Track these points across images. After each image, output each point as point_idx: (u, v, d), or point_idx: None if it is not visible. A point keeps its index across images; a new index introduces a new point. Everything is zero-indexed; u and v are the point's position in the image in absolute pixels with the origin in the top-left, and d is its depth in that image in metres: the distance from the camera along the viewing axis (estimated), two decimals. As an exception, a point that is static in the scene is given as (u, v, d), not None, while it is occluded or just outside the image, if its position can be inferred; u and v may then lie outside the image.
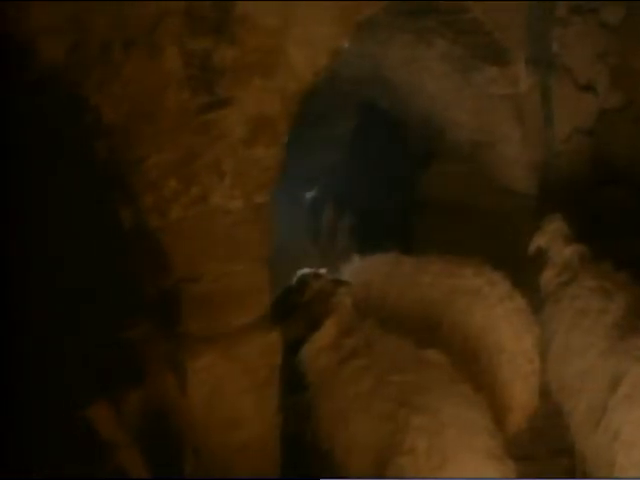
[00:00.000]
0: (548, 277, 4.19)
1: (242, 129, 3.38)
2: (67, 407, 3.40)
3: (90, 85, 3.13)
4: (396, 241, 4.83)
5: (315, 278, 3.62)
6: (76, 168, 3.85)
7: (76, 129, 3.41)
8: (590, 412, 3.37)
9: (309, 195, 6.59)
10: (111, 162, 3.34)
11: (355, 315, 3.53)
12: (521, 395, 3.80)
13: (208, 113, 3.31)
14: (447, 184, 5.49)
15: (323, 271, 3.74)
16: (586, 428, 3.38)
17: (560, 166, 5.18)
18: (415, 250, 4.52)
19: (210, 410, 3.38)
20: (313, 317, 3.49)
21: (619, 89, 5.27)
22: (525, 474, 3.23)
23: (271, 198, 3.52)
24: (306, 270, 3.72)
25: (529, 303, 4.01)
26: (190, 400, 3.33)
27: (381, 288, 4.18)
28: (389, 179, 6.07)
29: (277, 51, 3.43)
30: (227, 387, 3.41)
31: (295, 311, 3.56)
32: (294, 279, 3.70)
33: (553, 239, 4.25)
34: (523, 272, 4.24)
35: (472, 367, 3.63)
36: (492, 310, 3.87)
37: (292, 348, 3.50)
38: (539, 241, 4.29)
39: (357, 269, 4.33)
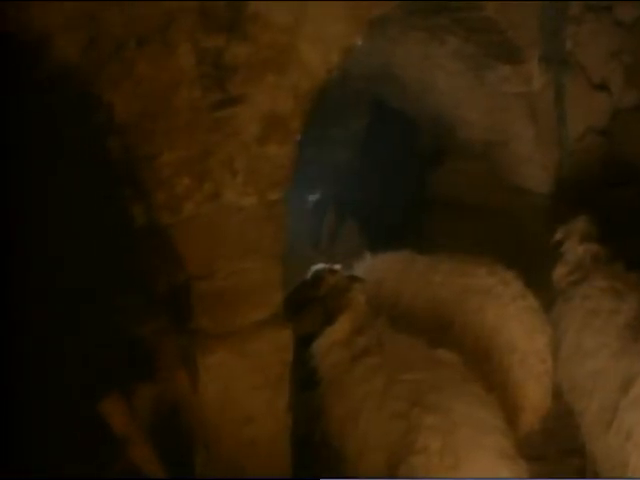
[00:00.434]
0: (560, 274, 4.18)
1: (255, 127, 3.39)
2: (76, 403, 3.42)
3: (103, 83, 3.14)
4: (406, 240, 4.82)
5: (330, 273, 3.62)
6: (87, 166, 3.87)
7: (88, 127, 3.42)
8: (602, 413, 3.35)
9: (312, 198, 6.54)
10: (123, 159, 3.36)
11: (368, 312, 3.52)
12: (533, 395, 3.79)
13: (221, 110, 3.32)
14: (458, 183, 5.47)
15: (338, 267, 3.74)
16: (597, 429, 3.37)
17: (573, 165, 5.16)
18: (426, 249, 4.50)
19: (221, 406, 3.39)
20: (327, 312, 3.49)
21: (633, 88, 5.24)
22: (537, 474, 3.22)
23: (285, 196, 3.52)
24: (321, 265, 3.72)
25: (541, 303, 3.98)
26: (202, 396, 3.34)
27: (393, 286, 4.17)
28: (399, 178, 6.06)
29: (289, 49, 3.44)
30: (238, 384, 3.42)
31: (309, 305, 3.55)
32: (309, 273, 3.69)
33: (569, 237, 4.24)
34: (535, 271, 4.22)
35: (484, 367, 3.61)
36: (504, 309, 3.85)
37: (305, 342, 3.50)
38: (557, 238, 4.27)
39: (369, 267, 4.32)
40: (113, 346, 3.47)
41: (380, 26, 4.37)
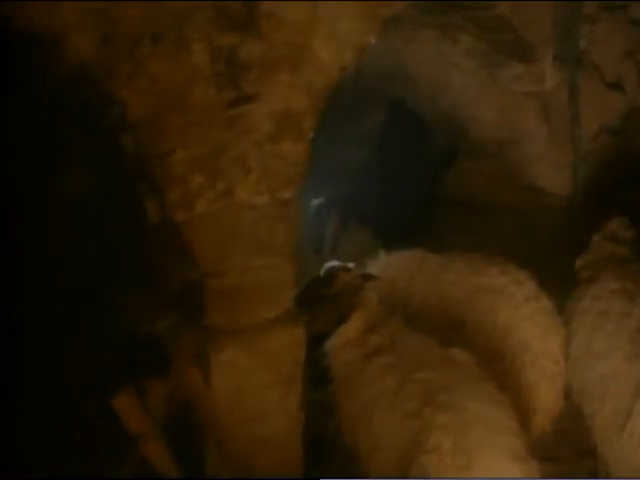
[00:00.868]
0: (578, 266, 4.16)
1: (268, 125, 3.39)
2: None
3: (117, 80, 3.16)
4: (418, 239, 4.81)
5: (344, 271, 3.61)
6: (100, 164, 3.89)
7: (101, 125, 3.43)
8: (614, 416, 3.33)
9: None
10: (137, 157, 3.37)
11: (381, 311, 3.52)
12: (546, 397, 3.77)
13: (234, 108, 3.32)
14: (471, 182, 5.45)
15: (351, 265, 3.73)
16: (610, 432, 3.35)
17: (587, 165, 5.13)
18: (438, 248, 4.49)
19: (234, 403, 3.40)
20: (340, 310, 3.49)
21: (647, 87, 5.20)
22: (549, 475, 3.20)
23: (298, 194, 3.52)
24: (334, 263, 3.71)
25: (555, 304, 3.96)
26: (214, 393, 3.35)
27: (406, 285, 4.17)
28: (411, 177, 6.05)
29: (303, 47, 3.43)
30: (251, 381, 3.43)
31: (322, 303, 3.55)
32: (322, 271, 3.68)
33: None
34: (549, 272, 4.19)
35: (496, 367, 3.59)
36: (517, 310, 3.83)
37: (317, 341, 3.50)
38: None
39: (383, 265, 4.31)
40: (125, 343, 3.49)
41: (393, 25, 4.37)
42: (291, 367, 3.51)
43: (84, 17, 3.02)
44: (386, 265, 4.32)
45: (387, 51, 4.95)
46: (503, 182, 5.27)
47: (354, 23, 3.53)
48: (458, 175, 5.60)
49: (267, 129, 3.39)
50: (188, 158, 3.27)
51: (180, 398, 3.29)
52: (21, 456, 3.37)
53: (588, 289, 3.97)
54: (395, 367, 3.18)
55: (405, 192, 6.12)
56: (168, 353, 3.31)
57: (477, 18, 4.58)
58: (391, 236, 5.28)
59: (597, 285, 3.95)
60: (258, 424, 3.44)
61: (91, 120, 3.58)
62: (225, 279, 3.37)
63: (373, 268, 4.25)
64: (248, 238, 3.40)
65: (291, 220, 3.52)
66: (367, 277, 3.70)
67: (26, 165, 3.92)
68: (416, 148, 6.00)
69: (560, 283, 4.23)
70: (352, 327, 3.43)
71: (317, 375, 3.52)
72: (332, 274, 3.65)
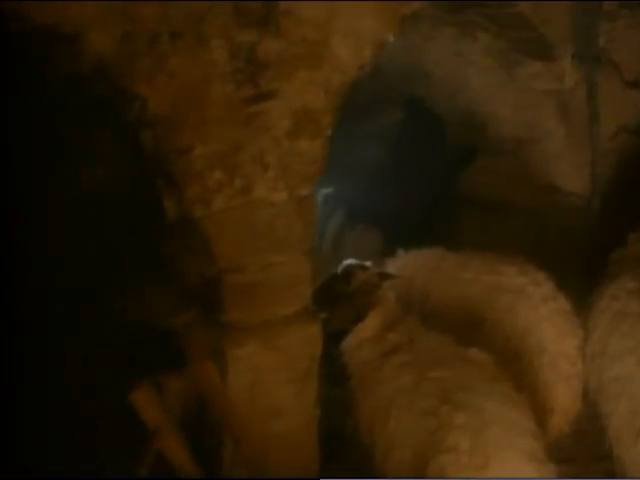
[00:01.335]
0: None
1: (286, 122, 3.39)
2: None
3: (136, 77, 3.17)
4: (435, 238, 4.79)
5: (361, 269, 3.61)
6: (118, 159, 3.91)
7: (120, 121, 3.45)
8: (631, 418, 3.31)
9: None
10: (156, 153, 3.38)
11: (399, 309, 3.51)
12: (563, 398, 3.74)
13: (252, 105, 3.33)
14: (488, 180, 5.43)
15: (369, 263, 3.73)
16: (626, 434, 3.32)
17: (605, 164, 5.09)
18: (455, 247, 4.47)
19: (250, 399, 3.41)
20: (357, 308, 3.48)
21: (668, 86, 5.15)
22: (566, 477, 3.18)
23: (314, 191, 3.53)
24: (352, 261, 3.71)
25: (573, 305, 3.93)
26: (230, 389, 3.37)
27: (424, 283, 4.16)
28: (428, 175, 6.03)
29: (322, 44, 3.43)
30: (267, 377, 3.44)
31: (339, 301, 3.55)
32: (339, 268, 3.68)
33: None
34: (567, 272, 4.17)
35: (514, 367, 3.58)
36: (535, 310, 3.81)
37: (335, 338, 3.50)
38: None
39: (401, 263, 4.31)
40: (142, 339, 3.50)
41: (412, 22, 4.35)
42: (307, 364, 3.51)
43: (104, 14, 3.04)
44: (404, 263, 4.31)
45: (405, 49, 4.94)
46: (520, 181, 5.24)
47: (373, 20, 3.52)
48: (475, 174, 5.57)
49: (285, 126, 3.39)
50: (207, 154, 3.28)
51: (196, 394, 3.30)
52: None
53: (607, 288, 3.94)
54: (412, 365, 3.17)
55: (421, 191, 6.10)
56: (185, 349, 3.32)
57: (496, 16, 4.56)
58: (403, 236, 5.26)
59: (615, 285, 3.92)
60: (274, 421, 3.45)
61: (109, 117, 3.60)
62: (242, 275, 3.38)
63: (391, 266, 4.25)
64: (265, 235, 3.41)
65: (308, 217, 3.53)
66: (384, 275, 3.69)
67: (42, 163, 3.95)
68: (432, 146, 5.98)
69: (577, 283, 4.20)
70: (369, 325, 3.43)
71: (334, 373, 3.52)
72: (349, 272, 3.64)
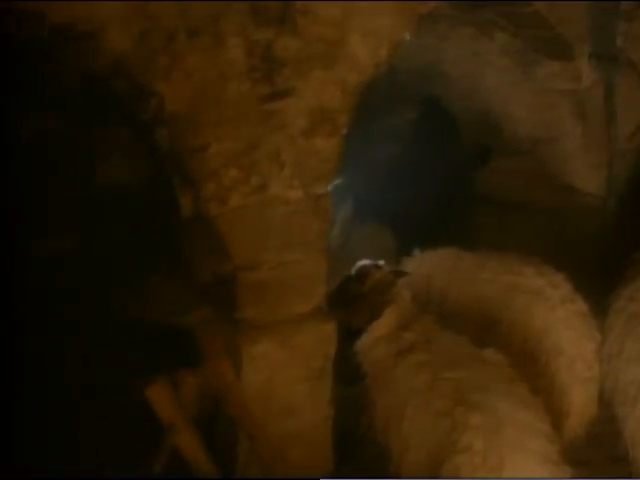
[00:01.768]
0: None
1: (302, 120, 3.40)
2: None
3: (154, 74, 3.19)
4: (451, 238, 4.77)
5: (376, 268, 3.60)
6: (134, 157, 3.93)
7: (136, 118, 3.47)
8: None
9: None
10: (172, 150, 3.39)
11: (414, 308, 3.50)
12: (579, 401, 3.71)
13: (269, 103, 3.34)
14: (504, 181, 5.39)
15: (382, 262, 3.72)
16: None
17: (622, 165, 5.05)
18: (471, 248, 4.45)
19: (264, 397, 3.42)
20: (372, 307, 3.47)
21: (685, 86, 5.10)
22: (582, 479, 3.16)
23: (330, 190, 3.53)
24: (366, 261, 3.69)
25: (590, 307, 3.90)
26: (245, 386, 3.37)
27: (442, 283, 4.13)
28: (444, 174, 6.00)
29: (338, 43, 3.43)
30: (281, 375, 3.44)
31: (355, 301, 3.54)
32: (353, 269, 3.68)
33: None
34: (584, 274, 4.13)
35: (530, 368, 3.55)
36: (553, 312, 3.78)
37: (350, 337, 3.49)
38: None
39: (418, 262, 4.29)
40: (157, 335, 3.51)
41: (429, 22, 4.34)
42: (322, 362, 3.52)
43: (122, 13, 3.05)
44: (421, 263, 4.29)
45: (422, 48, 4.92)
46: (536, 181, 5.20)
47: (390, 19, 3.52)
48: (490, 174, 5.54)
49: (301, 124, 3.40)
50: (223, 152, 3.29)
51: (211, 391, 3.30)
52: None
53: (624, 289, 3.91)
54: (427, 365, 3.16)
55: (436, 190, 6.08)
56: (200, 345, 3.32)
57: (514, 15, 4.53)
58: (418, 235, 5.24)
59: (632, 286, 3.89)
60: (288, 419, 3.46)
61: (126, 115, 3.62)
62: (257, 273, 3.39)
63: (407, 265, 4.23)
64: (281, 233, 3.41)
65: (323, 215, 3.53)
66: (399, 273, 3.68)
67: (59, 160, 3.97)
68: (448, 146, 5.95)
69: (593, 284, 4.17)
70: (384, 323, 3.41)
71: (350, 372, 3.50)
72: (364, 272, 3.62)
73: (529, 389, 3.14)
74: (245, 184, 3.33)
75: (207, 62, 3.21)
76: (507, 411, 2.94)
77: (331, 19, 3.40)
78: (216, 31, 3.21)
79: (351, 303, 3.55)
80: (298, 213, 3.43)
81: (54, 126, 4.00)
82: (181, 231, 3.59)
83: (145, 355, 3.48)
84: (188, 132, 3.27)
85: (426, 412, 3.02)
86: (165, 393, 3.02)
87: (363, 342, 3.44)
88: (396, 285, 3.55)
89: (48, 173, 3.96)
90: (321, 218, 3.51)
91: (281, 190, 3.38)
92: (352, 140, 3.72)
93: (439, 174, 6.04)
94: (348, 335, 3.52)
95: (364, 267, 3.65)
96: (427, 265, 4.24)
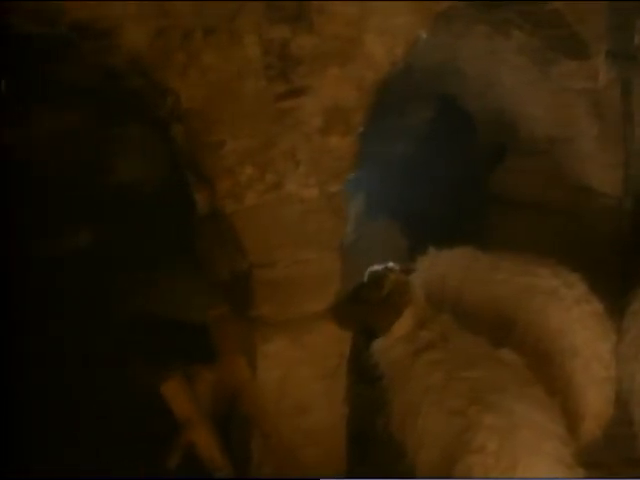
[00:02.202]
0: None
1: (318, 118, 3.39)
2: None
3: (170, 72, 3.19)
4: (465, 238, 4.75)
5: (390, 271, 3.56)
6: (149, 154, 3.94)
7: (153, 115, 3.48)
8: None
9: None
10: (188, 147, 3.40)
11: (429, 307, 3.48)
12: (595, 402, 3.67)
13: (284, 101, 3.33)
14: (519, 180, 5.36)
15: (392, 264, 3.69)
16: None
17: (639, 165, 5.01)
18: (485, 248, 4.43)
19: (279, 395, 3.42)
20: (396, 309, 3.43)
21: None
22: (597, 481, 3.14)
23: (344, 188, 3.52)
24: (376, 267, 3.65)
25: (606, 307, 3.87)
26: (260, 384, 3.37)
27: (457, 283, 4.10)
28: (459, 173, 5.98)
29: (354, 41, 3.43)
30: (296, 373, 3.44)
31: (377, 306, 3.49)
32: (365, 276, 3.64)
33: None
34: (600, 274, 4.10)
35: (545, 370, 3.51)
36: (568, 313, 3.73)
37: (366, 336, 3.48)
38: None
39: (432, 261, 4.27)
40: (173, 331, 3.52)
41: (445, 20, 4.32)
42: (336, 361, 3.52)
43: (139, 10, 3.06)
44: (435, 261, 4.27)
45: (437, 46, 4.89)
46: (552, 181, 5.16)
47: (406, 18, 3.51)
48: (505, 173, 5.51)
49: (317, 122, 3.39)
50: (238, 150, 3.29)
51: (226, 388, 3.31)
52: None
53: None
54: (443, 363, 3.14)
55: (450, 189, 6.06)
56: (215, 343, 3.33)
57: (531, 14, 4.49)
58: (432, 234, 5.23)
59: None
60: (302, 417, 3.45)
61: (142, 112, 3.63)
62: (273, 271, 3.38)
63: (422, 264, 4.21)
64: (296, 231, 3.41)
65: (338, 213, 3.52)
66: (408, 270, 3.65)
67: (76, 158, 3.99)
68: (463, 145, 5.93)
69: (608, 285, 4.14)
70: (404, 324, 3.36)
71: (366, 370, 3.48)
72: (379, 276, 3.56)
73: (544, 390, 3.10)
74: (260, 182, 3.33)
75: (223, 60, 3.22)
76: (522, 413, 2.91)
77: (347, 17, 3.40)
78: (232, 29, 3.21)
79: (373, 309, 3.49)
80: (313, 211, 3.42)
81: (71, 125, 4.02)
82: (196, 228, 3.59)
83: (161, 352, 3.49)
84: (204, 130, 3.27)
85: (440, 410, 3.00)
86: (181, 389, 3.02)
87: (381, 343, 3.40)
88: (411, 284, 3.53)
89: (64, 171, 3.99)
90: (336, 216, 3.50)
91: (296, 188, 3.38)
92: (367, 138, 3.71)
93: (454, 173, 6.03)
94: (364, 335, 3.49)
95: (377, 272, 3.60)
96: (442, 264, 4.21)
